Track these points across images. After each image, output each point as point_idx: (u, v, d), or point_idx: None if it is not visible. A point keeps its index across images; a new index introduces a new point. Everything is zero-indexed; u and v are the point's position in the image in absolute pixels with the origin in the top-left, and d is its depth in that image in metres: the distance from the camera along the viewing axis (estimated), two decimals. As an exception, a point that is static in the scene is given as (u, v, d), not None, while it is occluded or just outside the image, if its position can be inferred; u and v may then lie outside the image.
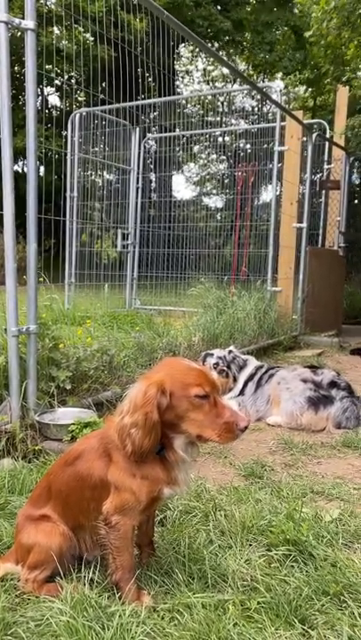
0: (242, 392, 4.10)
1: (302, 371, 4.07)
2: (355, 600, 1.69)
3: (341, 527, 2.17)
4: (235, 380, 4.17)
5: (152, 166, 11.36)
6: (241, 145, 11.45)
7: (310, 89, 23.01)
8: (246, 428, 1.62)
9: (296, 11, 18.71)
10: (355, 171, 11.48)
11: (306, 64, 19.99)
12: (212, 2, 20.78)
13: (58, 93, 17.42)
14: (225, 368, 4.15)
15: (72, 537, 1.78)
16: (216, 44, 22.29)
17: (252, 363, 4.31)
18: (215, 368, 4.14)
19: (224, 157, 14.14)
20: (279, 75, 22.75)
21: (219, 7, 21.34)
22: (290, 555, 1.93)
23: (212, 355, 4.28)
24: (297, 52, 19.93)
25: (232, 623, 1.57)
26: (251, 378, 4.14)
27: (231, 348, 4.38)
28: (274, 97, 7.08)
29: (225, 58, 16.20)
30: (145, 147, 10.28)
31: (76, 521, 1.77)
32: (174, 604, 1.65)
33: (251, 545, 2.02)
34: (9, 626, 1.56)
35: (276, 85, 9.43)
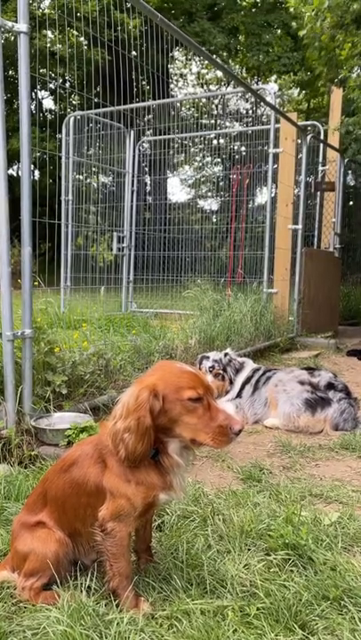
0: (239, 395, 4.09)
1: (299, 373, 4.06)
2: (355, 604, 1.68)
3: (341, 530, 2.16)
4: (231, 382, 4.16)
5: (147, 169, 11.35)
6: (236, 147, 11.46)
7: (304, 91, 23.10)
8: (241, 431, 1.60)
9: (291, 10, 18.75)
10: (349, 172, 11.49)
11: (303, 64, 19.98)
12: (205, 14, 20.78)
13: (52, 97, 17.43)
14: (221, 371, 4.14)
15: (68, 543, 1.76)
16: (210, 47, 22.33)
17: (249, 365, 4.29)
18: (211, 371, 4.12)
19: (219, 160, 14.16)
20: (273, 77, 22.83)
21: (212, 14, 21.36)
22: (289, 559, 1.92)
23: (208, 358, 4.26)
24: (294, 52, 19.93)
25: (231, 629, 1.55)
26: (248, 380, 4.13)
27: (227, 350, 4.37)
28: (268, 99, 7.08)
29: (219, 61, 16.21)
30: (140, 149, 10.27)
31: (73, 527, 1.75)
32: (173, 611, 1.63)
33: (249, 549, 2.01)
34: (5, 635, 1.54)
35: (271, 88, 9.44)
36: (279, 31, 20.88)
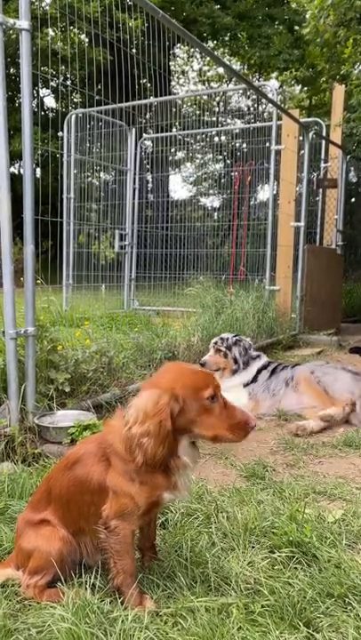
0: (254, 379, 4.10)
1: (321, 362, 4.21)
2: (360, 602, 1.68)
3: (345, 528, 2.16)
4: (236, 362, 4.14)
5: (148, 166, 11.33)
6: (238, 144, 11.44)
7: (306, 88, 23.04)
8: (255, 426, 1.68)
9: (294, 5, 18.79)
10: (352, 169, 11.47)
11: (303, 62, 19.96)
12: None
13: (54, 95, 17.42)
14: (222, 348, 4.15)
15: (72, 541, 1.76)
16: (212, 44, 22.31)
17: (264, 357, 4.33)
18: (213, 347, 4.17)
19: (221, 157, 14.14)
20: (274, 74, 22.79)
21: (218, 6, 21.35)
22: (293, 556, 1.92)
23: (218, 336, 4.33)
24: (294, 49, 19.91)
25: (236, 627, 1.55)
26: (265, 367, 4.17)
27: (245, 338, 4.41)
28: (269, 96, 7.06)
29: (220, 57, 16.15)
30: (141, 147, 10.26)
31: (77, 525, 1.76)
32: (177, 609, 1.63)
33: (253, 547, 2.01)
34: (10, 633, 1.54)
35: (272, 85, 9.43)
36: (281, 27, 20.86)
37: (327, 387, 3.83)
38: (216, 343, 4.20)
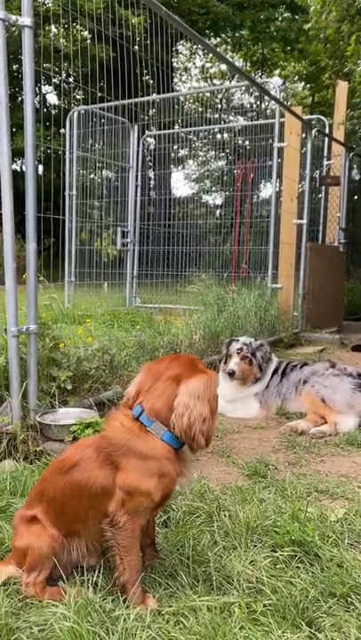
0: (268, 386, 4.05)
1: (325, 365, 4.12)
2: (362, 601, 1.67)
3: (347, 527, 2.15)
4: (260, 369, 4.02)
5: (151, 164, 11.32)
6: (240, 142, 11.41)
7: (308, 85, 22.98)
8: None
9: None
10: (355, 166, 11.42)
11: (307, 34, 19.87)
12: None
13: (56, 92, 17.38)
14: (249, 355, 3.98)
15: (64, 541, 1.76)
16: (214, 41, 22.22)
17: (275, 358, 4.26)
18: (239, 353, 3.97)
19: (223, 154, 14.11)
20: (277, 71, 22.70)
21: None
22: (295, 555, 1.91)
23: (238, 340, 4.11)
24: (300, 22, 19.81)
25: (238, 626, 1.55)
26: (275, 371, 4.10)
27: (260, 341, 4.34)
28: (272, 93, 7.05)
29: (223, 54, 16.09)
30: (144, 144, 10.24)
31: (71, 529, 1.75)
32: (179, 608, 1.63)
33: (256, 546, 2.00)
34: (12, 631, 1.54)
35: (275, 81, 9.40)
36: (283, 6, 20.89)
37: (326, 398, 3.81)
38: (241, 350, 3.98)
